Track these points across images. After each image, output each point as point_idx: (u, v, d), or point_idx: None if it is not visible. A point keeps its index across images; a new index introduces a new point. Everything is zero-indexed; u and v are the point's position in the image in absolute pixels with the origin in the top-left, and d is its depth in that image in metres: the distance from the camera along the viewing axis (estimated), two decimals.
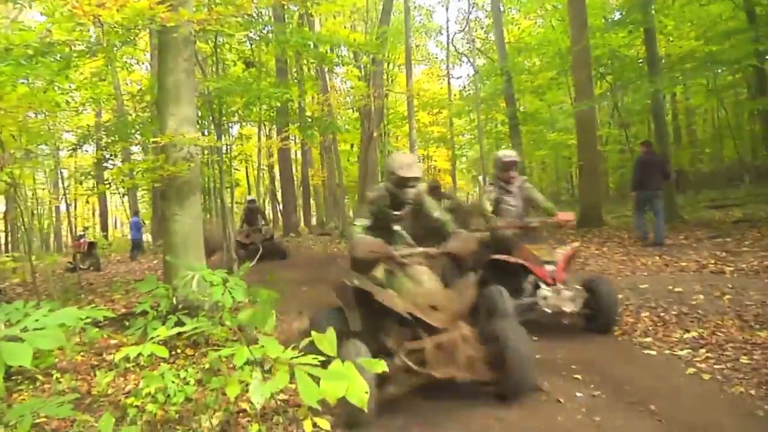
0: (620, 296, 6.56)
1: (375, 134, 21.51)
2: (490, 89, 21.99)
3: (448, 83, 27.28)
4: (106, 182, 11.53)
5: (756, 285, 6.27)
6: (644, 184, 10.38)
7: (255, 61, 14.83)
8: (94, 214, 36.75)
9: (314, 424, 3.31)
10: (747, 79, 16.44)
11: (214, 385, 3.93)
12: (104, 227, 30.11)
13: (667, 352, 4.88)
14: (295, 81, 20.14)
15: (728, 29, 12.95)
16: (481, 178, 26.50)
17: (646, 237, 10.46)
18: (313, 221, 29.78)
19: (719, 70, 17.64)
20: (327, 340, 1.95)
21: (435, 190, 11.26)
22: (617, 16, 17.26)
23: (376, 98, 18.82)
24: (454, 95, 27.96)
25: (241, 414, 3.77)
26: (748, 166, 21.51)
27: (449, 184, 28.88)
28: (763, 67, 11.39)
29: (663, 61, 16.00)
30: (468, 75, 46.30)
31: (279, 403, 3.80)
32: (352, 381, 1.84)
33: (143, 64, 20.86)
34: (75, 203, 30.45)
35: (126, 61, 15.04)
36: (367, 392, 1.83)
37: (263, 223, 14.99)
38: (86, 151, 18.05)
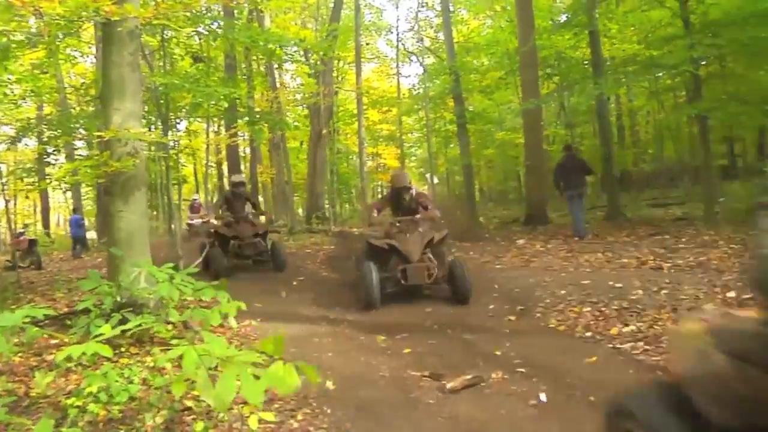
0: (563, 292, 6.76)
1: (324, 132, 21.48)
2: (439, 88, 22.19)
3: (398, 82, 27.42)
4: (48, 178, 11.17)
5: (691, 280, 6.53)
6: (567, 185, 11.48)
7: (203, 56, 14.61)
8: (35, 210, 35.51)
9: (260, 420, 3.32)
10: (685, 83, 17.04)
11: (158, 383, 3.89)
12: (46, 224, 29.16)
13: (607, 345, 5.06)
14: (244, 77, 19.93)
15: (667, 35, 13.42)
16: (428, 176, 26.71)
17: (585, 233, 11.28)
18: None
19: (659, 74, 18.22)
20: (274, 342, 1.97)
21: (403, 191, 8.05)
22: (564, 18, 17.63)
23: (326, 96, 18.79)
24: (404, 94, 28.10)
25: (186, 412, 3.73)
26: (688, 166, 22.28)
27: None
28: (698, 73, 11.82)
29: (607, 63, 16.45)
30: (417, 74, 46.59)
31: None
32: (288, 378, 1.86)
33: (88, 57, 20.31)
34: (15, 199, 29.38)
35: (69, 54, 14.61)
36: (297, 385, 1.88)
37: (253, 211, 11.36)
38: (26, 145, 17.47)
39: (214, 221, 10.66)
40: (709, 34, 11.16)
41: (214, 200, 34.91)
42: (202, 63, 14.07)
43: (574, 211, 11.58)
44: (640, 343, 4.93)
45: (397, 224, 7.72)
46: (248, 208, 11.04)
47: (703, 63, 14.08)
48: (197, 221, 17.23)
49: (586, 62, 17.56)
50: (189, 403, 3.78)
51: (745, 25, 10.04)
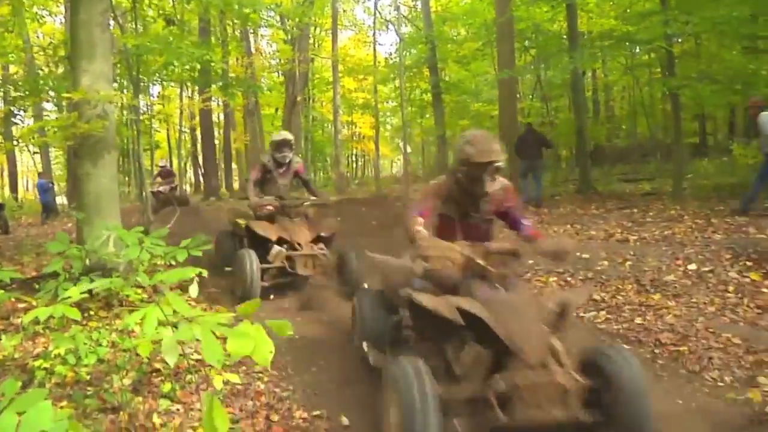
0: (530, 261, 6.84)
1: (299, 99, 21.31)
2: (415, 58, 22.07)
3: (374, 50, 27.19)
4: (14, 140, 10.90)
5: (655, 252, 6.69)
6: (523, 156, 12.42)
7: (176, 19, 14.30)
8: (2, 174, 34.83)
9: (227, 381, 3.38)
10: (660, 60, 17.18)
11: (126, 345, 3.91)
12: (14, 188, 28.59)
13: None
14: (219, 41, 19.61)
15: (643, 11, 13.48)
16: (401, 145, 26.75)
17: (528, 199, 11.82)
18: (236, 185, 29.37)
19: (637, 49, 18.33)
20: (250, 306, 2.01)
21: (487, 176, 3.49)
22: None
23: (301, 62, 18.61)
24: (380, 62, 27.91)
25: (154, 374, 3.77)
26: (660, 143, 22.60)
27: (372, 151, 29.10)
28: (671, 49, 11.93)
29: (585, 37, 16.47)
30: (392, 43, 46.28)
31: (192, 363, 3.83)
32: (258, 341, 1.88)
33: (56, 16, 19.79)
34: None
35: (36, 12, 14.22)
36: (271, 352, 1.86)
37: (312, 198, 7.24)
38: None
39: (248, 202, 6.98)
40: (685, 12, 11.24)
41: (187, 166, 34.57)
42: (174, 26, 13.78)
43: (527, 180, 12.48)
44: (603, 312, 5.08)
45: (479, 262, 3.31)
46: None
47: (679, 40, 14.18)
48: (165, 188, 15.96)
49: (564, 36, 17.56)
50: (157, 365, 3.82)
51: (719, 3, 10.12)
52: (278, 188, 6.91)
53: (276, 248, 6.25)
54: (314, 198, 7.19)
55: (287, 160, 6.92)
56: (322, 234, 6.68)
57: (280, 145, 6.86)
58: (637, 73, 21.64)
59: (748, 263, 5.94)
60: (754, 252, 6.20)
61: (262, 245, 6.34)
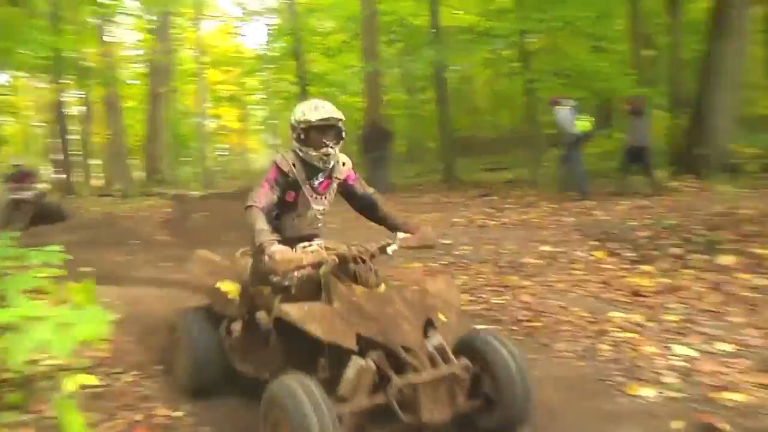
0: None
1: (162, 91, 20.47)
2: (282, 49, 21.85)
3: (240, 42, 26.73)
4: None
5: (512, 236, 7.16)
6: (369, 150, 13.60)
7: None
8: None
9: (84, 386, 3.21)
10: (520, 55, 18.17)
11: None
12: None
13: None
14: (77, 29, 18.39)
15: (501, 8, 14.26)
16: (267, 139, 26.49)
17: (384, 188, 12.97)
18: (101, 182, 27.81)
19: (500, 45, 19.26)
20: (84, 289, 1.93)
21: None
22: None
23: (163, 53, 17.90)
24: (246, 54, 27.38)
25: (3, 383, 3.50)
26: (521, 134, 23.92)
27: (241, 144, 28.58)
28: (524, 45, 12.72)
29: (449, 32, 17.05)
30: (262, 34, 45.59)
31: (46, 368, 3.60)
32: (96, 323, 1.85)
33: None
34: None
35: None
36: (105, 331, 1.85)
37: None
38: None
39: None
40: (538, 10, 11.99)
41: (42, 162, 32.09)
42: (19, 8, 12.70)
43: (376, 169, 13.38)
44: (465, 295, 5.32)
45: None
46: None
47: (534, 39, 15.08)
48: (28, 194, 11.34)
49: (434, 30, 18.11)
50: (6, 376, 3.55)
51: (566, 4, 10.91)
52: (312, 220, 3.41)
53: (358, 363, 2.58)
54: (406, 236, 3.21)
55: (330, 163, 3.31)
56: (440, 317, 2.89)
57: (320, 131, 3.20)
58: (498, 67, 22.70)
59: (594, 243, 6.51)
60: (601, 233, 6.82)
61: (308, 354, 2.82)
